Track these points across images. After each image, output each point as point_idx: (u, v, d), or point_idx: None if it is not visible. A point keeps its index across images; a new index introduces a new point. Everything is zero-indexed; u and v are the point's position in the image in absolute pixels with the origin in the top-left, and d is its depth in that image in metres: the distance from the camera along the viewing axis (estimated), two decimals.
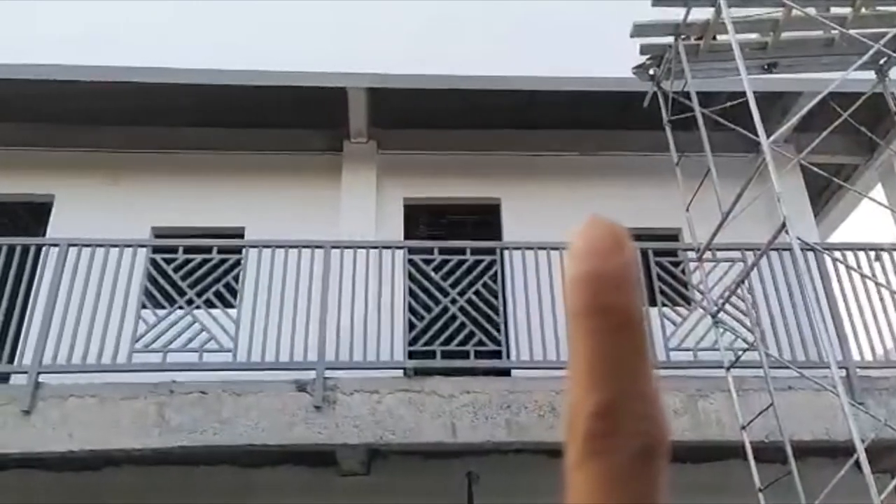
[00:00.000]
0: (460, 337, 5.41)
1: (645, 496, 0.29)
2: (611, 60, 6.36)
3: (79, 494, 5.44)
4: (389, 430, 4.97)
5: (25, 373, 5.00)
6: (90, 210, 6.78)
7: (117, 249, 5.58)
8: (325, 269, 5.61)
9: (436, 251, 5.81)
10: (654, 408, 0.29)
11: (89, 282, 5.39)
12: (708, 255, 5.56)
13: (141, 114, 7.16)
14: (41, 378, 5.00)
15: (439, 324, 5.46)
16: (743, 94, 4.79)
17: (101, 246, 5.58)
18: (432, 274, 5.68)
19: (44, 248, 5.64)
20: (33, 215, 7.05)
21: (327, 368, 5.21)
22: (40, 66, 6.37)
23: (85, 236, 5.71)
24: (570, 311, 0.29)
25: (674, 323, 5.56)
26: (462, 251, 5.80)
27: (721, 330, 5.23)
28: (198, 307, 5.47)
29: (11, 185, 6.98)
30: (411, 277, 5.70)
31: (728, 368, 5.04)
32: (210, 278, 5.58)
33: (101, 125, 7.18)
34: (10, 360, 5.26)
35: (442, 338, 5.40)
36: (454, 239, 6.56)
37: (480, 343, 5.39)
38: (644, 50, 5.80)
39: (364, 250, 5.81)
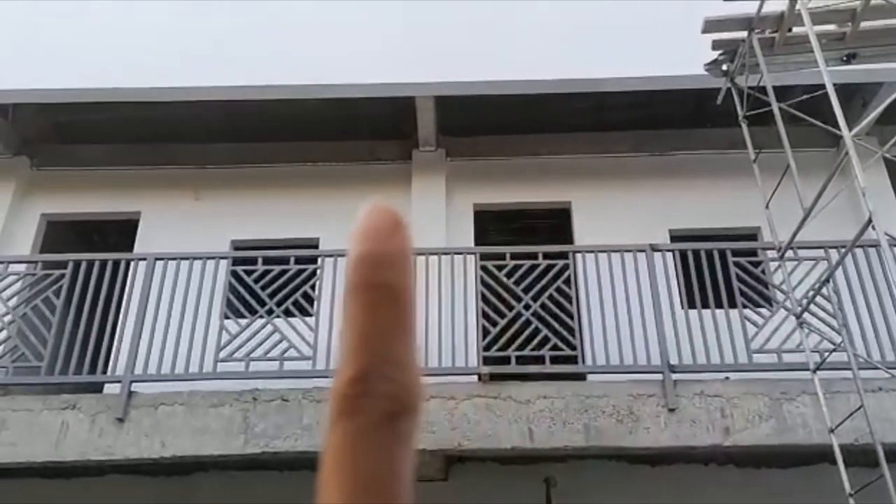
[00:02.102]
0: (535, 342, 5.40)
1: (388, 453, 0.30)
2: (681, 58, 6.26)
3: (170, 499, 5.66)
4: (466, 436, 5.00)
5: (119, 382, 5.24)
6: (174, 225, 7.07)
7: (200, 262, 5.80)
8: None
9: (508, 256, 5.83)
10: (407, 374, 0.31)
11: (175, 294, 5.61)
12: (790, 253, 5.40)
13: (219, 131, 7.42)
14: (133, 387, 5.23)
15: (513, 329, 5.47)
16: (820, 86, 4.64)
17: (185, 259, 5.82)
18: (504, 279, 5.70)
19: (132, 263, 5.91)
20: (121, 232, 7.39)
21: None
22: (125, 89, 6.68)
23: (169, 251, 5.95)
24: (346, 287, 0.31)
25: (756, 325, 5.42)
26: (534, 256, 5.80)
27: (806, 331, 5.07)
28: (277, 316, 5.63)
29: (101, 203, 7.34)
30: (483, 283, 5.73)
31: (814, 370, 4.88)
32: (288, 288, 5.73)
33: (182, 143, 7.48)
34: (104, 370, 5.53)
35: (516, 343, 5.41)
36: (525, 244, 6.56)
37: (555, 348, 5.37)
38: (716, 45, 5.69)
39: (436, 257, 5.86)
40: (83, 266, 5.67)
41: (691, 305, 5.48)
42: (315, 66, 7.07)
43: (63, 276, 5.62)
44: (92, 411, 5.11)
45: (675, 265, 5.74)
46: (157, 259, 5.80)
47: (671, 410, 5.00)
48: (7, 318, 5.50)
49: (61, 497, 5.60)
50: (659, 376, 5.16)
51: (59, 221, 7.37)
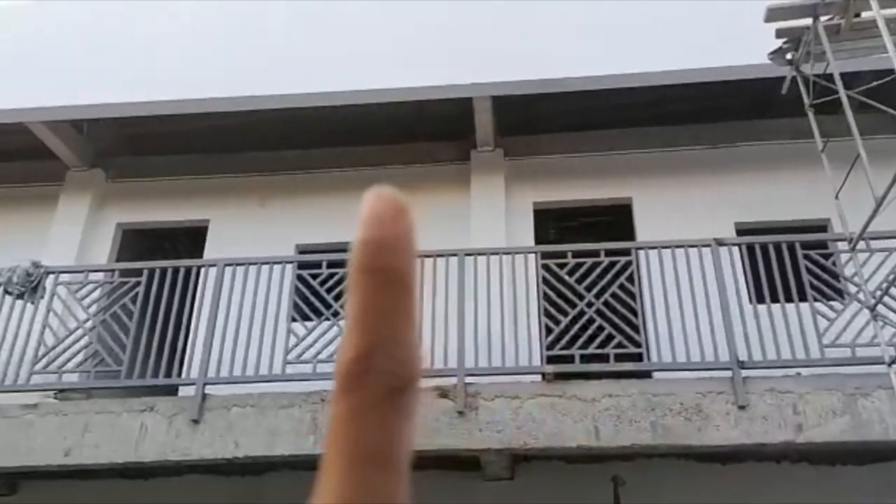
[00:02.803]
0: (599, 340, 5.38)
1: (390, 427, 0.32)
2: (742, 48, 6.13)
3: (243, 498, 5.83)
4: (532, 434, 5.01)
5: (193, 384, 5.43)
6: (241, 231, 7.27)
7: (267, 267, 5.95)
8: (461, 277, 5.74)
9: (569, 254, 5.81)
10: (407, 353, 0.32)
11: (245, 298, 5.77)
12: (861, 244, 5.24)
13: (282, 138, 7.60)
14: (207, 389, 5.40)
15: (576, 327, 5.45)
16: (889, 72, 4.50)
17: (252, 264, 5.97)
18: (566, 277, 5.68)
19: (203, 269, 6.09)
20: (191, 239, 7.64)
21: (467, 375, 5.32)
22: (191, 100, 6.90)
23: (237, 256, 6.12)
24: (350, 270, 0.32)
25: (827, 319, 5.27)
26: (596, 253, 5.76)
27: (880, 323, 4.91)
28: (343, 318, 5.72)
29: (172, 212, 7.60)
30: (545, 282, 5.72)
31: (890, 364, 4.73)
32: None
33: (248, 151, 7.69)
34: (179, 373, 5.73)
35: (580, 341, 5.39)
36: (586, 241, 6.53)
37: (620, 345, 5.33)
38: (780, 34, 5.55)
39: (497, 257, 5.89)
40: (157, 273, 5.88)
41: (760, 300, 5.37)
42: (369, 69, 7.18)
43: (139, 283, 5.84)
44: (169, 413, 5.30)
45: (742, 259, 5.63)
46: (226, 265, 5.98)
47: (741, 408, 4.91)
48: (88, 325, 5.75)
49: (141, 497, 5.82)
50: (728, 373, 5.07)
51: (133, 230, 7.66)
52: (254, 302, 5.75)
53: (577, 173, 7.44)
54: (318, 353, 5.60)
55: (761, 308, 5.31)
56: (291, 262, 6.16)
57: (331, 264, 5.98)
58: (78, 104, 6.87)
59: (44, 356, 5.56)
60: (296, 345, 5.65)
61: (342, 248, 6.68)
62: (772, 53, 5.69)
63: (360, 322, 0.31)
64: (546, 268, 5.79)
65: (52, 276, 5.86)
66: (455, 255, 5.87)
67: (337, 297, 5.80)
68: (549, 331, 5.51)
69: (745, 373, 5.05)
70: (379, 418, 0.31)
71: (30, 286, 5.58)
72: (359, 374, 0.31)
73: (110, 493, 5.82)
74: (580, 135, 7.59)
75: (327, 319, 5.76)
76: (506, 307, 5.60)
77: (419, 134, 7.68)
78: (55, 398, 5.60)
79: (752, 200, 6.89)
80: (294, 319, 5.83)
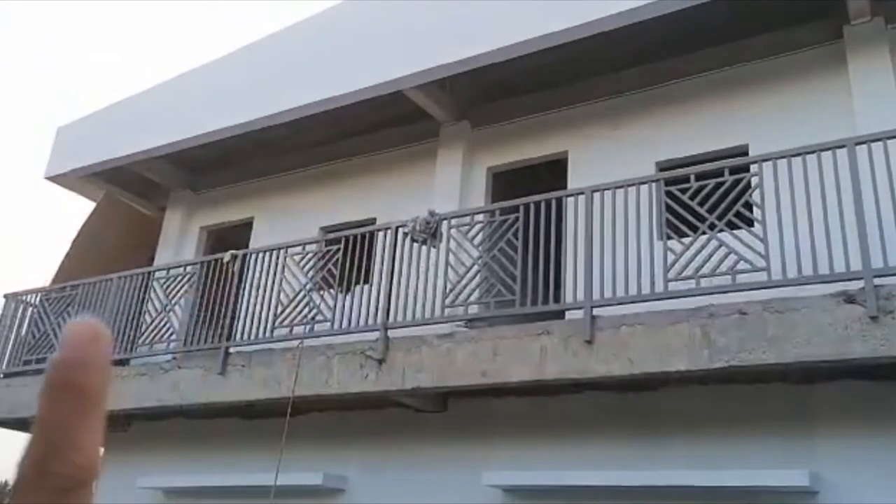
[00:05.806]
0: None
1: None
2: None
3: (639, 412, 6.04)
4: None
5: (581, 308, 5.71)
6: (598, 157, 7.37)
7: (634, 188, 5.94)
8: (853, 169, 5.15)
9: None
10: (84, 457, 0.36)
11: (616, 221, 5.85)
12: None
13: (630, 55, 7.45)
14: (595, 312, 5.64)
15: None
16: None
17: (619, 187, 6.01)
18: None
19: (571, 198, 6.29)
20: (551, 171, 7.96)
21: (876, 276, 4.80)
22: (539, 38, 7.08)
23: (597, 182, 6.20)
24: (41, 386, 0.36)
25: None
26: None
27: None
28: (721, 230, 5.53)
29: (532, 149, 7.98)
30: None
31: None
32: (727, 201, 5.58)
33: (595, 77, 7.71)
34: (555, 299, 6.03)
35: None
36: None
37: None
38: None
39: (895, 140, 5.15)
40: (532, 207, 6.24)
41: None
42: None
43: (517, 218, 6.26)
44: (564, 335, 5.65)
45: None
46: (593, 191, 6.11)
47: None
48: (480, 262, 6.35)
49: (546, 411, 6.35)
50: None
51: (501, 171, 8.22)
52: (626, 224, 5.80)
53: None
54: (700, 267, 5.49)
55: None
56: (657, 181, 6.08)
57: (699, 177, 5.78)
58: (440, 64, 7.48)
59: (451, 291, 6.30)
60: (674, 262, 5.60)
61: (709, 158, 6.41)
62: None
63: (41, 431, 0.36)
64: None
65: (445, 222, 6.57)
66: (843, 146, 5.27)
67: (711, 210, 5.60)
68: None
69: None
70: None
71: (429, 232, 6.34)
72: (34, 476, 0.36)
73: (520, 408, 6.45)
74: None
75: (703, 233, 5.60)
76: None
77: (777, 20, 6.96)
78: (465, 327, 6.33)
79: None
80: (669, 237, 5.77)
